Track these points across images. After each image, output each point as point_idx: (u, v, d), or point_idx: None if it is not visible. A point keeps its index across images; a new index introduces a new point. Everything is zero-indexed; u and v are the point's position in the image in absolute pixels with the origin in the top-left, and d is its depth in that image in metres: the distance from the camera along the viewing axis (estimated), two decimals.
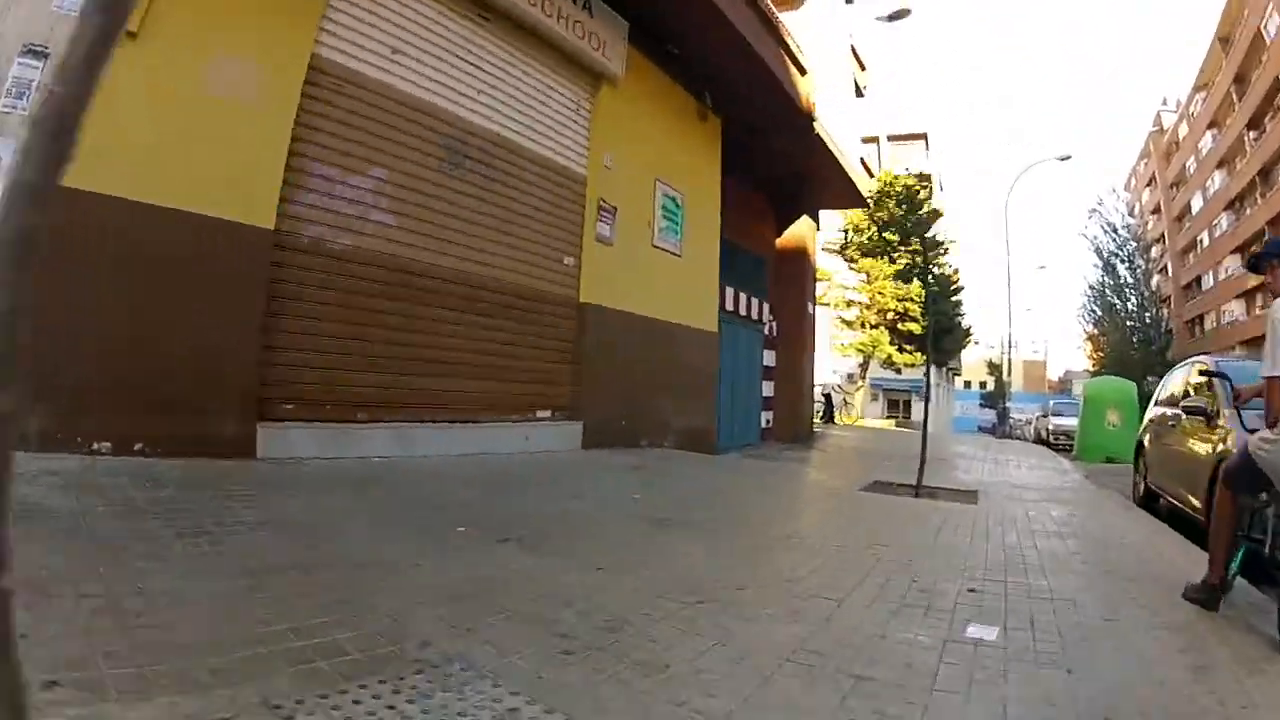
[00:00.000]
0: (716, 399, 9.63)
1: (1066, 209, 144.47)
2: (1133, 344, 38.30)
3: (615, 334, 7.22)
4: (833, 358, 30.15)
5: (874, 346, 25.41)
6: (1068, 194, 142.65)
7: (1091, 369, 44.03)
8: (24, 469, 2.93)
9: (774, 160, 10.77)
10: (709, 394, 9.20)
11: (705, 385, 9.09)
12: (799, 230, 13.26)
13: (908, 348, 25.97)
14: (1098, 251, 41.28)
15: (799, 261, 13.20)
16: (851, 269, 26.44)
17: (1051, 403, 21.82)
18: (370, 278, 5.05)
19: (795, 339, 13.03)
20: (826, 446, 12.19)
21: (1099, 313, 42.59)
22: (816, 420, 18.52)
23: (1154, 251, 45.45)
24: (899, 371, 35.40)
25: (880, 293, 25.38)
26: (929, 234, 25.39)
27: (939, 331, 26.20)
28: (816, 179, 12.43)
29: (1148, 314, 39.99)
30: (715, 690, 1.83)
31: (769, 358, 12.92)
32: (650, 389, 7.77)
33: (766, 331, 12.90)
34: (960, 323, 28.55)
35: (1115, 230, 41.23)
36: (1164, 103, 50.84)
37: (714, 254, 9.45)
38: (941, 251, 26.83)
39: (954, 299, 27.46)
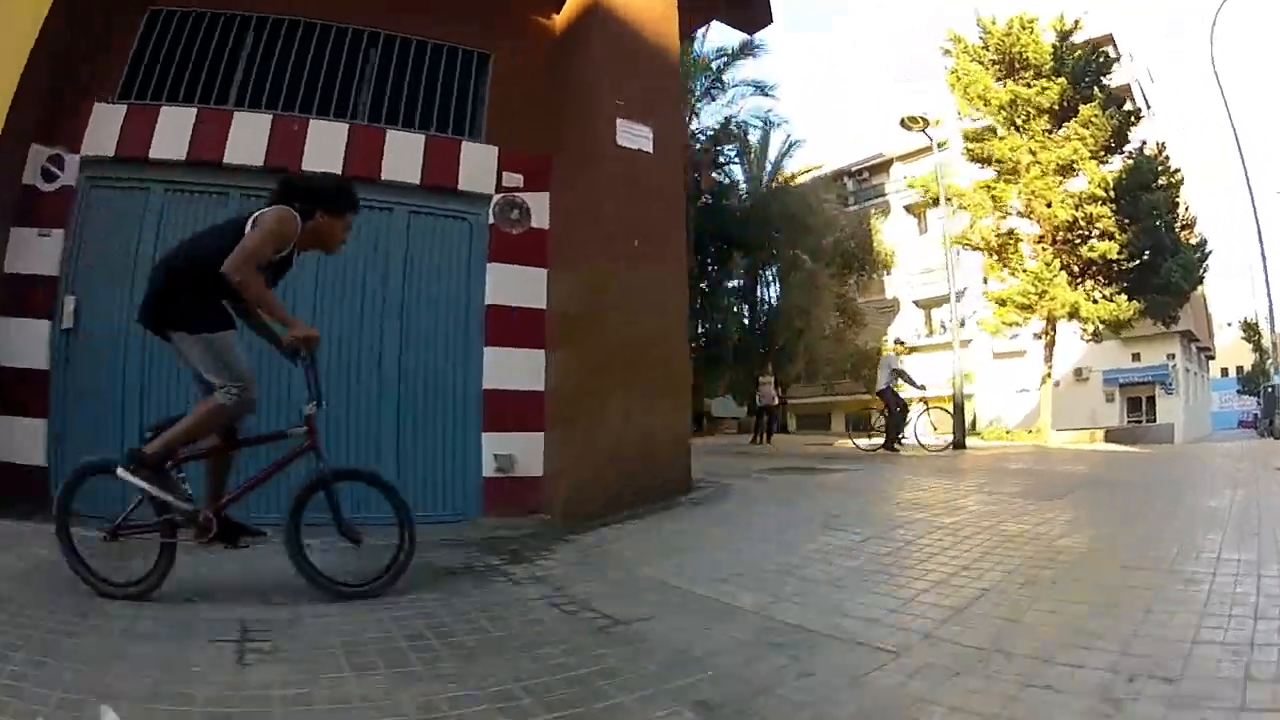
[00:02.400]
0: None
1: None
2: None
3: None
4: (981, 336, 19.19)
5: (1040, 291, 14.43)
6: None
7: None
8: None
9: None
10: None
11: None
12: None
13: (1104, 291, 14.55)
14: None
15: (610, 56, 4.80)
16: (997, 169, 15.49)
17: None
18: None
19: (598, 233, 4.56)
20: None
21: None
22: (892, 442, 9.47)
23: None
24: (1135, 357, 22.66)
25: (1039, 195, 14.34)
26: (1102, 88, 14.29)
27: (1150, 249, 14.45)
28: None
29: None
30: None
31: (513, 284, 4.73)
32: None
33: (500, 219, 4.79)
34: (1184, 239, 15.68)
35: None
36: None
37: None
38: (1131, 117, 15.10)
39: (1168, 191, 14.77)
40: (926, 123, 11.94)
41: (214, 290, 2.48)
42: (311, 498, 2.65)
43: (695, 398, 19.18)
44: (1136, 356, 24.58)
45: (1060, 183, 14.47)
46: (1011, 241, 15.38)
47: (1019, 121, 14.78)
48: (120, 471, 2.45)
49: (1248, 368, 36.77)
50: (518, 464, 4.58)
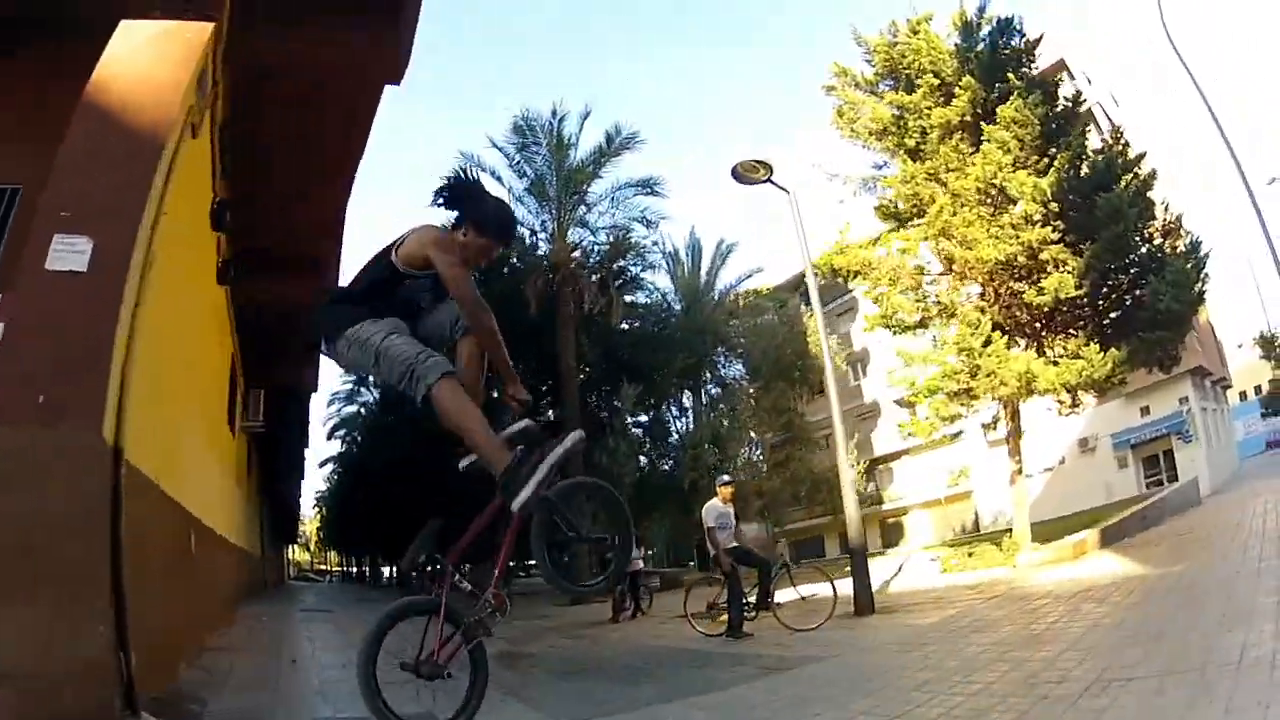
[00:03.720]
0: None
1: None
2: None
3: None
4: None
5: (972, 368, 11.07)
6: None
7: None
8: None
9: None
10: None
11: None
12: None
13: (1067, 345, 11.53)
14: None
15: (77, 153, 3.86)
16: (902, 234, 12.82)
17: None
18: None
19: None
20: None
21: None
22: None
23: None
24: (1143, 411, 20.77)
25: (952, 236, 11.59)
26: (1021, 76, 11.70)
27: (1122, 269, 11.43)
28: None
29: None
30: None
31: None
32: None
33: None
34: (1169, 248, 11.57)
35: None
36: None
37: None
38: (1066, 103, 12.03)
39: (1129, 185, 11.13)
40: (770, 170, 9.43)
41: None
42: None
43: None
44: (1145, 410, 21.52)
45: (989, 214, 11.65)
46: (940, 310, 12.27)
47: (912, 143, 12.14)
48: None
49: (1266, 386, 34.51)
50: None
